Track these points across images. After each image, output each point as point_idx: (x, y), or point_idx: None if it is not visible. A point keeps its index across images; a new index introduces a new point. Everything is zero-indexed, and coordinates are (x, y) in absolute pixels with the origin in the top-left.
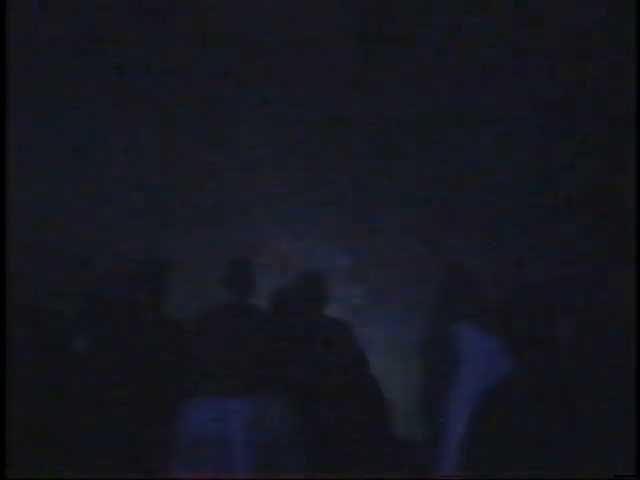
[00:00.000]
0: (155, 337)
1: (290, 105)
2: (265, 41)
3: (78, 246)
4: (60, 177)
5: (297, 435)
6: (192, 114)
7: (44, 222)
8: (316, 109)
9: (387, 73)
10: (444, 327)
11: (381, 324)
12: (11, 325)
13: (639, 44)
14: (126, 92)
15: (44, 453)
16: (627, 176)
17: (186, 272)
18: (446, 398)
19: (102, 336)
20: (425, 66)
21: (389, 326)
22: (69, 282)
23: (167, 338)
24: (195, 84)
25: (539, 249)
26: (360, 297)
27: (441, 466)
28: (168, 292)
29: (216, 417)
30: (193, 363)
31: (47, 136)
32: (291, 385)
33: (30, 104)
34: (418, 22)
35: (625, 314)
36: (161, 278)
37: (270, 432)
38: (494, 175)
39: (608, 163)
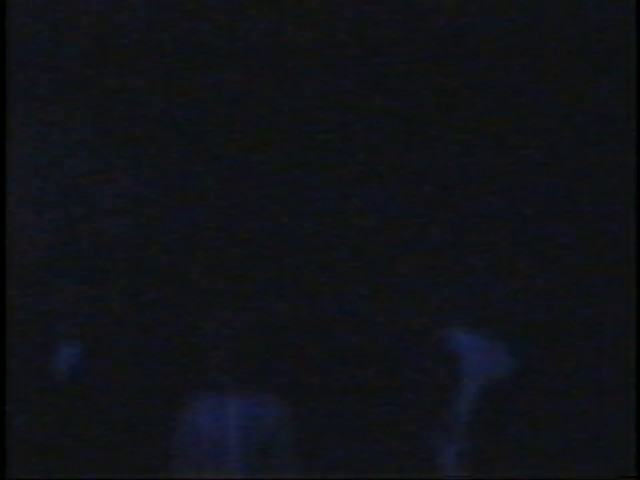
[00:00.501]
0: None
1: None
2: None
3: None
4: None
5: (293, 434)
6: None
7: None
8: None
9: None
10: (442, 329)
11: None
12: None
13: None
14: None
15: (44, 453)
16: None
17: None
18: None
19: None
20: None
21: None
22: (69, 281)
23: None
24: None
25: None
26: None
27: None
28: None
29: (213, 415)
30: (191, 361)
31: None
32: (290, 383)
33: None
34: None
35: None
36: None
37: (266, 431)
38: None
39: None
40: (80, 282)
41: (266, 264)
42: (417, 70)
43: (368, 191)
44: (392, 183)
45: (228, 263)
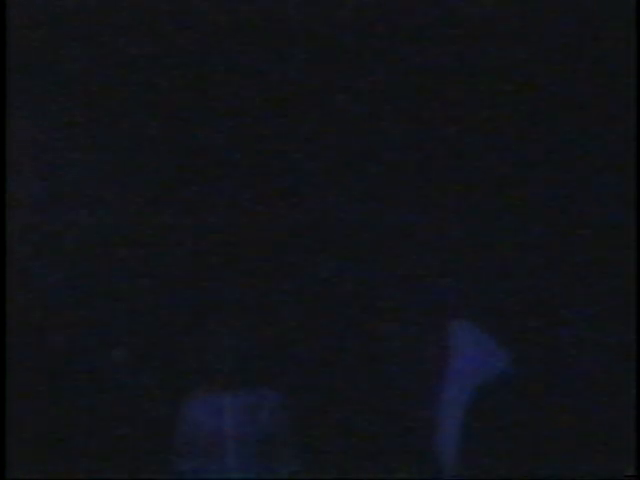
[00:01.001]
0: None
1: None
2: None
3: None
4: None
5: (292, 429)
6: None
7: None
8: None
9: None
10: (438, 322)
11: None
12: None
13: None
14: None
15: (44, 453)
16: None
17: None
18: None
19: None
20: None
21: None
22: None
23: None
24: None
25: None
26: None
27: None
28: None
29: (210, 412)
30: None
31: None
32: (289, 379)
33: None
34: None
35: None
36: None
37: (263, 426)
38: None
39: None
40: (79, 282)
41: (265, 259)
42: (420, 72)
43: (369, 188)
44: (393, 179)
45: (227, 262)
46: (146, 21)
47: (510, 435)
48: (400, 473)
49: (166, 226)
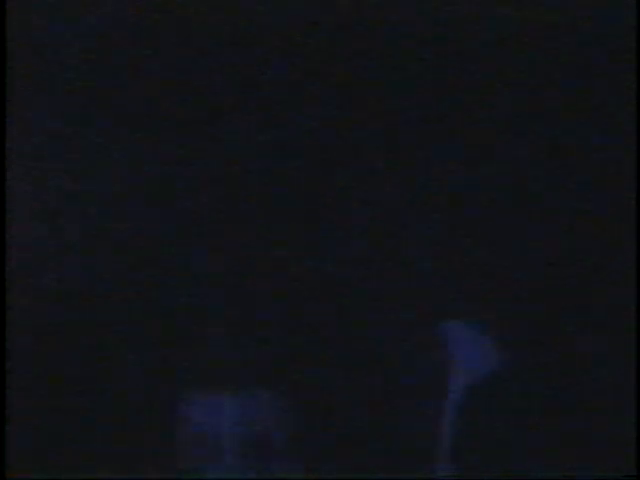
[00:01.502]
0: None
1: None
2: None
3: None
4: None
5: (289, 430)
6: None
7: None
8: None
9: None
10: (436, 323)
11: None
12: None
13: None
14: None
15: (44, 453)
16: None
17: None
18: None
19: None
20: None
21: None
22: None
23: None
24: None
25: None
26: None
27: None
28: None
29: (209, 412)
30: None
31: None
32: (287, 380)
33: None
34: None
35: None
36: None
37: (262, 427)
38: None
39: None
40: (77, 282)
41: (265, 259)
42: (416, 67)
43: (364, 188)
44: (389, 180)
45: (226, 262)
46: (147, 21)
47: (508, 435)
48: (400, 473)
49: (165, 227)
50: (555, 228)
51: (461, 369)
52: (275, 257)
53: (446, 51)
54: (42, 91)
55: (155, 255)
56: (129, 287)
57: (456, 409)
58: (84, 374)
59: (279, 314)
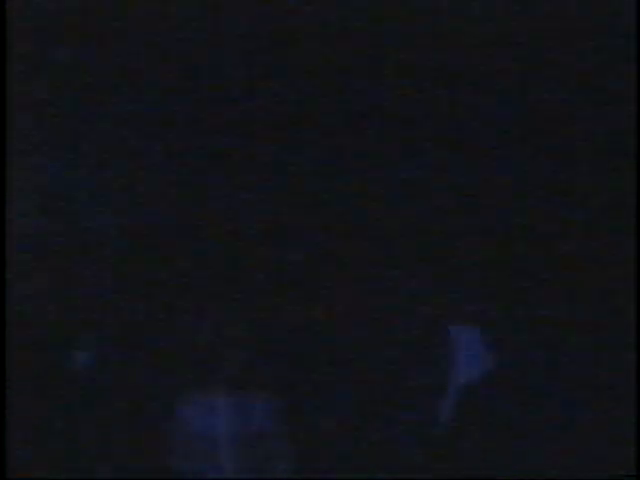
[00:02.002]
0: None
1: None
2: None
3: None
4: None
5: (285, 431)
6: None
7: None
8: None
9: None
10: (441, 326)
11: None
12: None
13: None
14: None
15: (44, 453)
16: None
17: None
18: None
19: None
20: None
21: None
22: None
23: None
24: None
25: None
26: None
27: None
28: None
29: (205, 413)
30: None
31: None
32: (283, 381)
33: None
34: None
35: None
36: None
37: (258, 427)
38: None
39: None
40: (76, 282)
41: (263, 260)
42: (416, 68)
43: (370, 190)
44: (393, 184)
45: (224, 264)
46: (147, 21)
47: (508, 435)
48: (395, 474)
49: (163, 228)
50: (556, 232)
51: (461, 370)
52: (274, 259)
53: (446, 48)
54: (42, 92)
55: (154, 256)
56: (128, 288)
57: (456, 409)
58: (84, 375)
59: (276, 317)
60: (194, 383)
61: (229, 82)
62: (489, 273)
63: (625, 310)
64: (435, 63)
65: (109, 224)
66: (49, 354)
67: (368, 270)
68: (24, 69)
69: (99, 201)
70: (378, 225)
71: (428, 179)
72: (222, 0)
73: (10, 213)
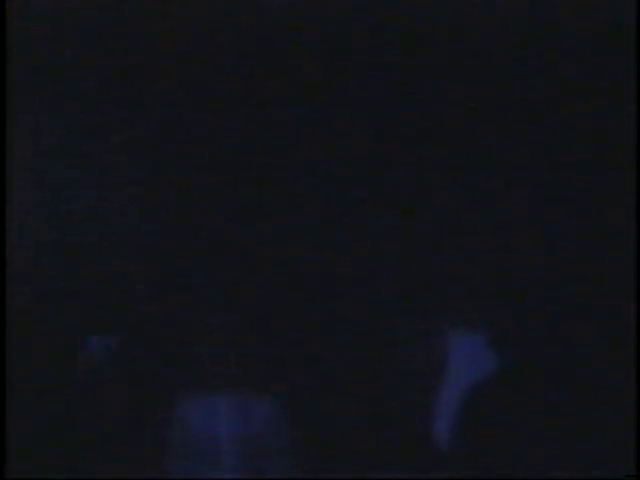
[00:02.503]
0: None
1: None
2: None
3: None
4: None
5: (285, 432)
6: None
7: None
8: None
9: None
10: (435, 329)
11: None
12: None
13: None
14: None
15: (44, 453)
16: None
17: None
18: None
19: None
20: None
21: None
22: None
23: None
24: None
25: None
26: None
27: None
28: None
29: (203, 414)
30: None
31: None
32: (284, 381)
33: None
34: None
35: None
36: None
37: (257, 429)
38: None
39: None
40: (74, 284)
41: (261, 261)
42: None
43: (372, 195)
44: (392, 189)
45: (222, 263)
46: (147, 22)
47: (508, 435)
48: (396, 474)
49: (162, 229)
50: (558, 238)
51: (462, 373)
52: (274, 260)
53: (444, 48)
54: (42, 92)
55: (154, 258)
56: (127, 289)
57: (456, 410)
58: (84, 376)
59: (276, 317)
60: (194, 383)
61: (230, 85)
62: (490, 276)
63: (626, 311)
64: (435, 63)
65: (109, 224)
66: (49, 355)
67: (368, 272)
68: (24, 70)
69: (101, 201)
70: (379, 226)
71: (428, 180)
72: (225, 7)
73: (10, 213)
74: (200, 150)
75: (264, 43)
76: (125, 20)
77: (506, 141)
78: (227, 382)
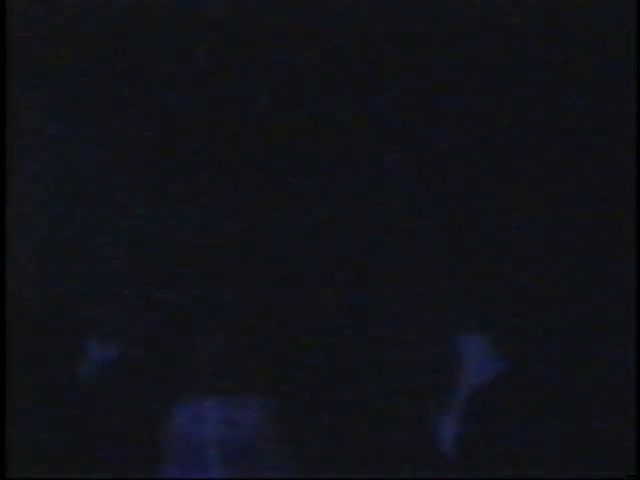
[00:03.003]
0: None
1: None
2: None
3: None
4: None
5: (278, 436)
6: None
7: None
8: None
9: None
10: (448, 336)
11: None
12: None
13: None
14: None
15: (44, 453)
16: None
17: None
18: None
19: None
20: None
21: None
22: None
23: None
24: None
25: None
26: None
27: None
28: None
29: (195, 418)
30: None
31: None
32: (278, 386)
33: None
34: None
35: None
36: None
37: (250, 433)
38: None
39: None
40: (74, 285)
41: (260, 264)
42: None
43: (377, 200)
44: (403, 196)
45: (216, 266)
46: (148, 22)
47: (508, 435)
48: (397, 476)
49: (162, 231)
50: (559, 249)
51: (466, 376)
52: (270, 263)
53: (444, 49)
54: (43, 92)
55: (153, 260)
56: (125, 291)
57: (458, 410)
58: (83, 376)
59: (273, 320)
60: (185, 387)
61: (230, 85)
62: (493, 281)
63: (627, 312)
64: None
65: (109, 224)
66: (49, 355)
67: (370, 274)
68: (25, 69)
69: (102, 202)
70: (382, 229)
71: (430, 186)
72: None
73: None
74: (202, 151)
75: (265, 43)
76: (125, 20)
77: (507, 147)
78: (220, 386)
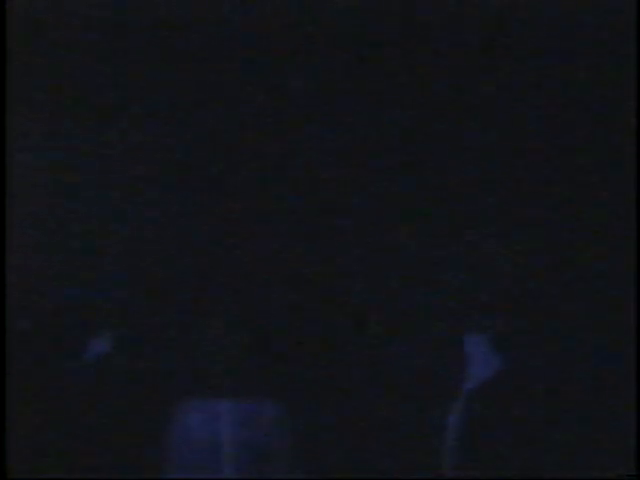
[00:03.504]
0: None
1: None
2: None
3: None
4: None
5: (288, 439)
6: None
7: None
8: None
9: None
10: (456, 335)
11: None
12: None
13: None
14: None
15: (44, 453)
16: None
17: None
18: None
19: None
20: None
21: None
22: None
23: None
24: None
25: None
26: None
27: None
28: None
29: (206, 420)
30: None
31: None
32: (288, 387)
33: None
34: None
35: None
36: None
37: (260, 435)
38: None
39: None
40: (73, 286)
41: (265, 264)
42: (419, 65)
43: (379, 196)
44: (408, 195)
45: (225, 266)
46: (148, 22)
47: (508, 435)
48: (399, 477)
49: (162, 229)
50: (560, 250)
51: (470, 376)
52: (280, 266)
53: (444, 47)
54: (43, 94)
55: (153, 262)
56: (128, 293)
57: (458, 411)
58: (83, 377)
59: (281, 323)
60: (195, 389)
61: (230, 85)
62: (498, 281)
63: (627, 314)
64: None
65: (109, 225)
66: (49, 355)
67: (374, 275)
68: (24, 71)
69: (102, 203)
70: (385, 230)
71: (435, 185)
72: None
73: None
74: (200, 153)
75: (265, 44)
76: (125, 20)
77: (509, 147)
78: (228, 386)
